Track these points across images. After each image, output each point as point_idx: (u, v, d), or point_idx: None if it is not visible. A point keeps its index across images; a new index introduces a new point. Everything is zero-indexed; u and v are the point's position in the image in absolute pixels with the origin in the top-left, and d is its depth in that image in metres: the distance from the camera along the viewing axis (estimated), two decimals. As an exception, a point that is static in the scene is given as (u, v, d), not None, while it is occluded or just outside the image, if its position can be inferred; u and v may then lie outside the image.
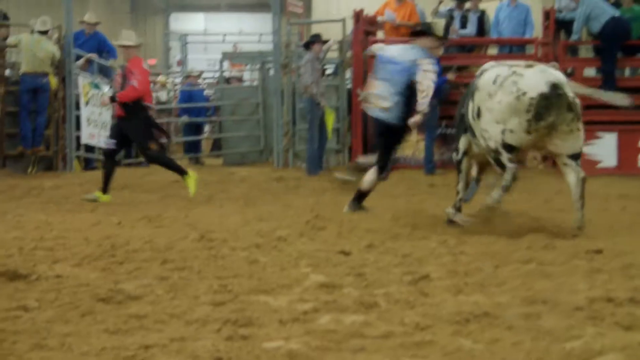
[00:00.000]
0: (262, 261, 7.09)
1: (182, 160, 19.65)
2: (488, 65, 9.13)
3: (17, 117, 15.73)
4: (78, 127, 16.15)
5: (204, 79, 23.84)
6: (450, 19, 16.07)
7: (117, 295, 5.70)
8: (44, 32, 15.78)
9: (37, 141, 15.69)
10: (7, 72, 15.99)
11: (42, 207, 10.92)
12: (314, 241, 8.11)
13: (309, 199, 11.84)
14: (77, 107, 16.16)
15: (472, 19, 16.42)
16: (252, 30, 31.22)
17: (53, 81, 15.81)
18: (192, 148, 20.15)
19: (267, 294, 5.84)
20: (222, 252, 7.48)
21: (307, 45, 15.81)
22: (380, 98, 9.68)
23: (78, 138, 16.19)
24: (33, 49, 15.58)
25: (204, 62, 28.41)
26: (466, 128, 9.17)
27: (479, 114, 8.77)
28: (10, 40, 15.85)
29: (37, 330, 4.89)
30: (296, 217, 9.82)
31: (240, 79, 22.50)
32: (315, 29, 21.58)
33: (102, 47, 17.51)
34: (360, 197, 10.01)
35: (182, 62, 25.64)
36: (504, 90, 8.51)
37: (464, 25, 16.38)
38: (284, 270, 6.65)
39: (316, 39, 15.72)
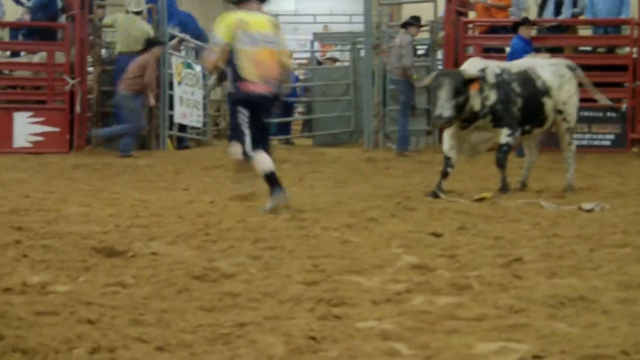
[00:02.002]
0: (353, 241, 7.10)
1: (272, 140, 19.81)
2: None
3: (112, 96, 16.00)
4: (171, 106, 16.36)
5: (295, 59, 23.88)
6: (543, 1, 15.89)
7: (211, 273, 5.77)
8: (138, 13, 15.99)
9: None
10: (103, 52, 16.25)
11: (137, 185, 11.08)
12: (405, 222, 8.10)
13: (399, 180, 11.82)
14: (171, 86, 16.37)
15: (568, 1, 16.14)
16: (342, 11, 31.21)
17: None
18: (283, 129, 20.25)
19: (359, 274, 5.86)
20: (314, 232, 7.51)
21: (405, 26, 15.74)
22: None
23: (171, 117, 16.40)
24: (128, 28, 15.81)
25: (295, 43, 28.50)
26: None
27: None
28: (106, 20, 16.11)
29: (134, 306, 4.97)
30: (387, 197, 9.82)
31: (334, 60, 22.49)
32: (406, 10, 21.51)
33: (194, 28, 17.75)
34: None
35: (272, 43, 25.68)
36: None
37: (558, 6, 16.11)
38: (375, 251, 6.65)
39: (415, 21, 15.63)
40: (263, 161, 8.69)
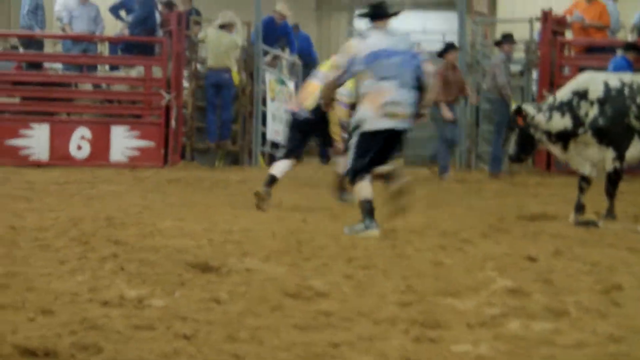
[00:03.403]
0: (447, 263, 7.06)
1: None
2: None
3: (205, 111, 16.19)
4: (264, 123, 16.48)
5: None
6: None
7: (305, 291, 5.78)
8: (223, 27, 16.13)
9: (224, 135, 16.07)
10: (199, 66, 16.45)
11: (230, 201, 11.16)
12: (499, 244, 8.02)
13: (491, 202, 11.71)
14: (264, 103, 16.49)
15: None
16: (435, 28, 31.06)
17: (236, 77, 16.19)
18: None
19: (453, 296, 5.81)
20: (407, 252, 7.48)
21: (498, 44, 15.62)
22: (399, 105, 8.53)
23: (264, 134, 16.51)
24: (217, 42, 15.98)
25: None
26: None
27: None
28: (200, 35, 16.28)
29: (229, 322, 5.01)
30: (479, 219, 9.74)
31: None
32: (501, 28, 21.33)
33: (287, 37, 17.84)
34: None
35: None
36: None
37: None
38: (469, 273, 6.60)
39: (507, 39, 15.49)
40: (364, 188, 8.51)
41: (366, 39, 8.61)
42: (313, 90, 10.39)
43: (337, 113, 10.39)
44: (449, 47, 15.33)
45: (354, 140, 8.66)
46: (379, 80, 8.40)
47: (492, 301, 5.65)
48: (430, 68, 8.79)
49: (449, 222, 9.48)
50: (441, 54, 15.25)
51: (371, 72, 8.43)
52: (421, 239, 8.19)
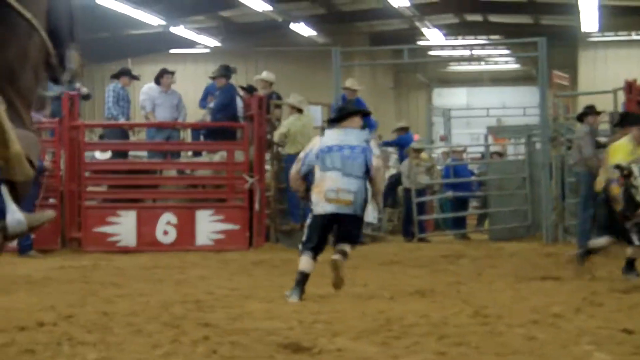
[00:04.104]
0: (540, 338, 6.94)
1: (447, 236, 19.73)
2: None
3: (287, 193, 16.30)
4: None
5: (468, 153, 23.86)
6: None
7: (398, 370, 5.74)
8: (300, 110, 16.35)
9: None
10: (281, 149, 16.61)
11: (316, 281, 11.13)
12: (593, 318, 7.88)
13: (582, 275, 11.53)
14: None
15: None
16: (515, 103, 31.06)
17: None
18: (458, 223, 20.17)
19: (549, 372, 5.72)
20: (499, 328, 7.38)
21: (581, 117, 15.53)
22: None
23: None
24: (303, 131, 16.16)
25: (467, 137, 28.50)
26: None
27: None
28: (281, 131, 16.30)
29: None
30: (570, 293, 9.62)
31: (501, 154, 22.41)
32: (582, 101, 21.24)
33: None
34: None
35: (445, 137, 25.77)
36: None
37: None
38: (565, 348, 6.48)
39: (590, 111, 15.39)
40: None
41: (324, 136, 10.14)
42: None
43: None
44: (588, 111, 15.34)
45: (307, 221, 10.01)
46: (325, 170, 9.67)
47: (590, 376, 5.54)
48: (376, 162, 9.78)
49: (539, 297, 9.37)
50: (580, 118, 15.28)
51: (320, 163, 9.72)
52: (512, 314, 8.09)
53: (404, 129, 20.72)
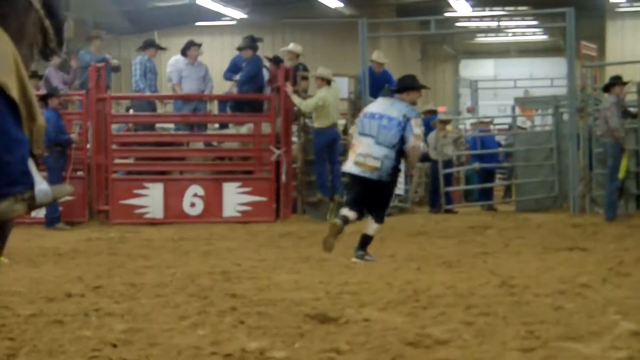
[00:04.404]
0: (567, 308, 6.93)
1: (474, 207, 19.71)
2: None
3: (314, 165, 16.31)
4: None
5: (495, 125, 23.75)
6: None
7: (424, 340, 5.74)
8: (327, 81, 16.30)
9: (336, 188, 16.16)
10: (307, 121, 16.60)
11: (343, 252, 11.17)
12: (620, 288, 7.86)
13: (609, 245, 11.52)
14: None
15: None
16: (542, 74, 30.86)
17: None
18: (485, 195, 20.13)
19: (576, 341, 5.70)
20: (526, 298, 7.38)
21: (607, 88, 15.44)
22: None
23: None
24: (333, 102, 16.14)
25: (494, 108, 28.37)
26: None
27: None
28: (313, 101, 16.21)
29: (350, 372, 5.01)
30: (597, 263, 9.61)
31: (524, 129, 22.38)
32: (610, 71, 21.07)
33: (389, 86, 17.93)
34: (365, 243, 10.48)
35: (472, 109, 25.66)
36: None
37: None
38: (591, 318, 6.47)
39: (617, 81, 15.29)
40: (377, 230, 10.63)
41: (373, 103, 11.14)
42: None
43: None
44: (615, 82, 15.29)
45: None
46: (362, 135, 10.33)
47: (617, 345, 5.53)
48: (413, 141, 10.20)
49: (565, 267, 9.36)
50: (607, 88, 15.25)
51: (360, 127, 10.43)
52: (539, 284, 8.09)
53: (432, 112, 20.60)
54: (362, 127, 10.37)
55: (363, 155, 10.19)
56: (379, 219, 10.47)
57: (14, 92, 4.42)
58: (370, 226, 10.47)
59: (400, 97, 10.49)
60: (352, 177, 10.53)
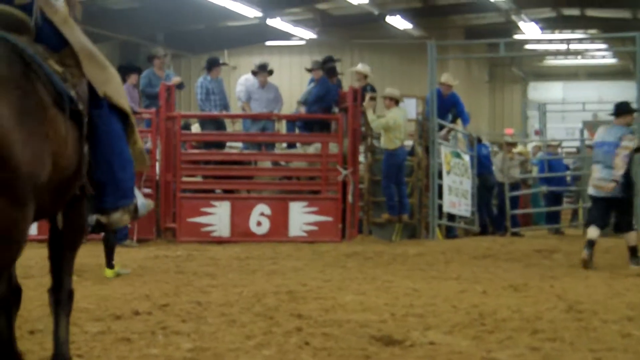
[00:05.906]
0: (635, 335, 6.87)
1: (541, 230, 19.56)
2: None
3: (381, 186, 16.31)
4: (440, 195, 16.50)
5: (562, 148, 23.56)
6: None
7: (491, 364, 5.73)
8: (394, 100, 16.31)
9: (403, 209, 16.14)
10: (375, 142, 16.61)
11: (408, 274, 11.18)
12: (692, 316, 7.76)
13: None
14: (440, 176, 16.53)
15: None
16: (611, 98, 30.53)
17: (418, 151, 16.35)
18: (552, 218, 19.96)
19: (645, 369, 5.66)
20: (593, 324, 7.33)
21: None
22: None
23: (440, 206, 16.52)
24: (400, 123, 16.14)
25: (562, 131, 28.13)
26: None
27: None
28: (382, 122, 16.21)
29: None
30: (668, 289, 9.49)
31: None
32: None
33: (457, 108, 17.88)
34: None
35: (540, 132, 25.48)
36: None
37: None
38: (661, 346, 6.41)
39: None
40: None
41: (598, 132, 12.98)
42: None
43: None
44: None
45: None
46: (594, 162, 12.48)
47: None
48: (618, 150, 12.02)
49: (634, 292, 9.26)
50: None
51: (594, 155, 12.73)
52: (607, 310, 8.02)
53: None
54: (594, 155, 12.68)
55: (597, 179, 12.26)
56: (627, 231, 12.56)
57: (132, 117, 4.76)
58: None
59: (618, 123, 12.41)
60: (594, 198, 12.52)
